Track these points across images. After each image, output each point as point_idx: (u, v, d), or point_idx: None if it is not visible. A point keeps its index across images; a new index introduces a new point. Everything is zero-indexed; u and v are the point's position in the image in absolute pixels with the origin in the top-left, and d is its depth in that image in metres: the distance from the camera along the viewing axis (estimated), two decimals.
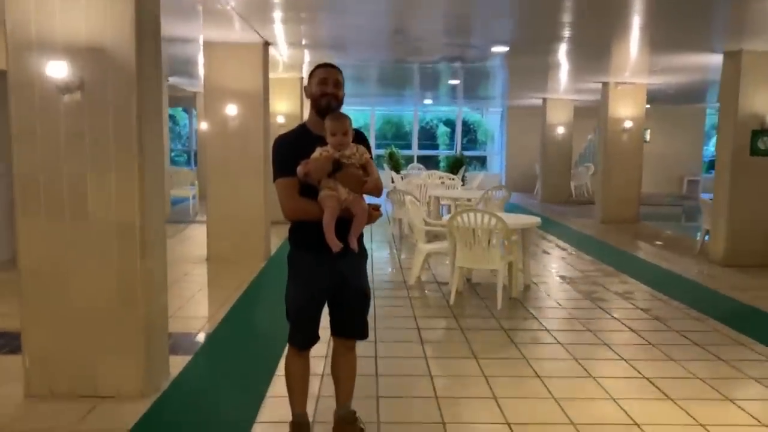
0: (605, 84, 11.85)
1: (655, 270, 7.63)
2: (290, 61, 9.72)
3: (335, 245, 2.71)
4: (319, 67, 2.89)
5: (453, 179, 12.54)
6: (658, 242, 9.81)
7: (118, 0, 3.34)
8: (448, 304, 5.81)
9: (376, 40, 8.01)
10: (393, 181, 14.35)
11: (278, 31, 7.23)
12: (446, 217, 6.67)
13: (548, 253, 8.72)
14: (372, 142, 21.45)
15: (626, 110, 11.76)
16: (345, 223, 2.78)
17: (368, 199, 2.87)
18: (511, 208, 12.02)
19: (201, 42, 7.62)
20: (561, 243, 9.54)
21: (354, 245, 2.80)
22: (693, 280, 7.12)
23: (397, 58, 9.60)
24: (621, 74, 11.06)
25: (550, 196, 15.76)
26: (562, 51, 8.64)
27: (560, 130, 15.78)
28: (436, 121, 22.40)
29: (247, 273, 6.88)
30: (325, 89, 2.81)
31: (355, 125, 2.94)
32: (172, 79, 12.46)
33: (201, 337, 4.77)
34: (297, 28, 7.19)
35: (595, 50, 8.72)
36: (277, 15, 6.48)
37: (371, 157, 2.90)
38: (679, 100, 17.51)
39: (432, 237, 7.17)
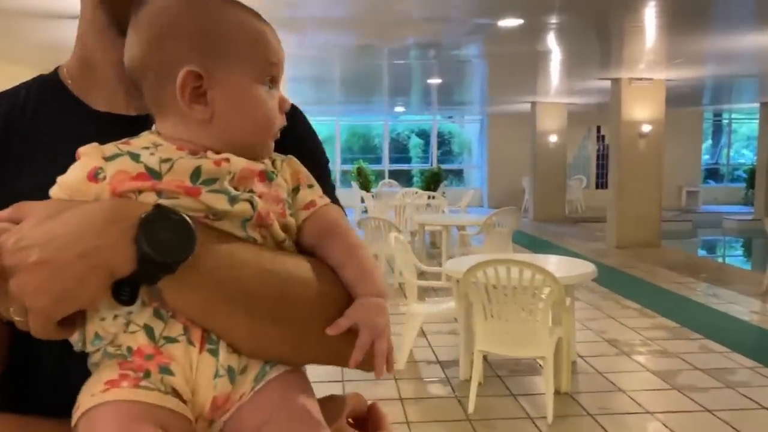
0: (616, 81, 9.87)
1: (742, 327, 5.52)
2: None
3: None
4: None
5: (434, 197, 10.31)
6: (703, 275, 7.76)
7: None
8: (466, 413, 3.58)
9: (336, 10, 5.79)
10: (363, 201, 12.14)
11: None
12: (448, 264, 4.45)
13: (576, 299, 6.57)
14: (337, 156, 19.30)
15: (643, 112, 9.79)
16: None
17: None
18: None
19: None
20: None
21: None
22: None
23: (363, 43, 7.41)
24: (635, 68, 9.11)
25: (543, 215, 13.71)
26: (563, 35, 6.62)
27: (553, 138, 13.79)
28: (407, 132, 20.31)
29: None
30: None
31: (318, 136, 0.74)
32: None
33: None
34: None
35: (607, 33, 6.75)
36: None
37: (333, 189, 0.74)
38: (674, 103, 15.85)
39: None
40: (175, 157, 0.61)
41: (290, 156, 0.70)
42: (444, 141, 20.26)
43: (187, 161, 0.61)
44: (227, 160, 0.62)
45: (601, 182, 16.79)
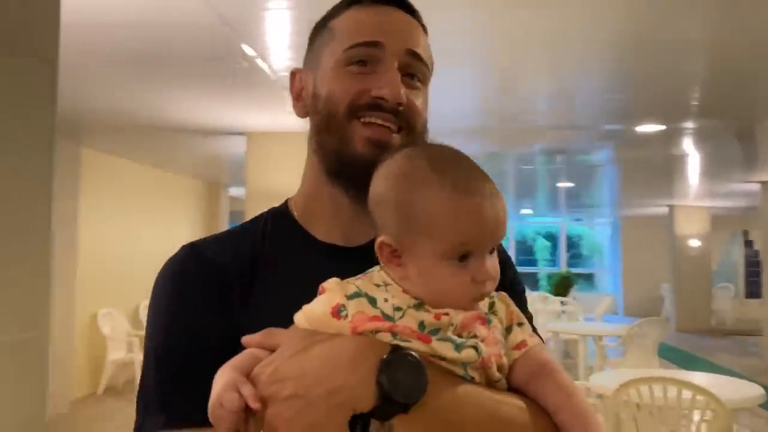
0: (766, 184, 9.18)
1: None
2: None
3: None
4: (345, 6, 0.76)
5: (567, 304, 9.84)
6: None
7: None
8: None
9: (464, 121, 5.98)
10: None
11: None
12: (594, 379, 4.18)
13: (744, 425, 5.87)
14: None
15: None
16: None
17: None
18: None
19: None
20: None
21: None
22: None
23: (488, 151, 7.53)
24: None
25: (686, 325, 12.65)
26: (702, 139, 6.31)
27: (694, 243, 12.93)
28: (533, 234, 19.98)
29: None
30: (378, 85, 0.73)
31: None
32: (234, 191, 10.95)
33: None
34: None
35: (752, 135, 6.34)
36: None
37: (531, 318, 0.76)
38: None
39: None
40: (405, 307, 0.65)
41: (501, 292, 0.72)
42: (572, 243, 19.68)
43: (413, 315, 0.64)
44: (446, 314, 0.65)
45: (753, 291, 15.32)
